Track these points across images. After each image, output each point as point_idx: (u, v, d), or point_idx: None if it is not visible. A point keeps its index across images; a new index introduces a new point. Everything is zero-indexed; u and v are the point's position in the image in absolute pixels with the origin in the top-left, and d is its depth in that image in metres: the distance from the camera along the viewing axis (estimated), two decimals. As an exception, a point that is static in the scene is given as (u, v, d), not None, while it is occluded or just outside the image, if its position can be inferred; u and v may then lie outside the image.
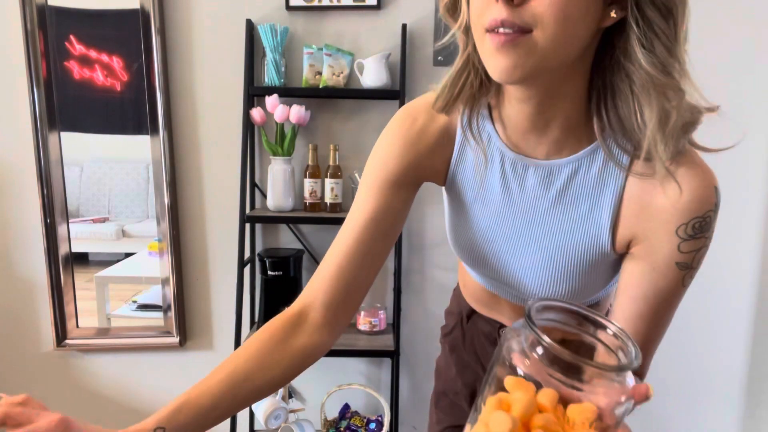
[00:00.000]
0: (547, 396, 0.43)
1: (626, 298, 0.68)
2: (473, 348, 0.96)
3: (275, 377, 0.68)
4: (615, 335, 0.47)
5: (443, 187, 0.79)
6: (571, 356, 0.42)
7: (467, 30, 0.61)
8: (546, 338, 0.43)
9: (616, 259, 0.70)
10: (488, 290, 0.87)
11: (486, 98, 0.69)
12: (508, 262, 0.75)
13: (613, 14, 0.55)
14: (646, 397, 0.46)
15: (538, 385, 0.44)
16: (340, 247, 0.72)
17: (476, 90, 0.66)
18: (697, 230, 0.62)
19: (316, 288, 0.72)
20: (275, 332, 0.70)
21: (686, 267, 0.64)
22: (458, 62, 0.66)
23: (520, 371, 0.44)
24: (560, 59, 0.56)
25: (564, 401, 0.44)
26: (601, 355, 0.48)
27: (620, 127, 0.61)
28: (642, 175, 0.62)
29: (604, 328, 0.48)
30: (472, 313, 0.95)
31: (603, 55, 0.60)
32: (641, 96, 0.57)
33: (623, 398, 0.44)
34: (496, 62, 0.55)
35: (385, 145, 0.75)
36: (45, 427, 0.50)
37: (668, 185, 0.60)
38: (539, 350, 0.44)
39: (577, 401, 0.43)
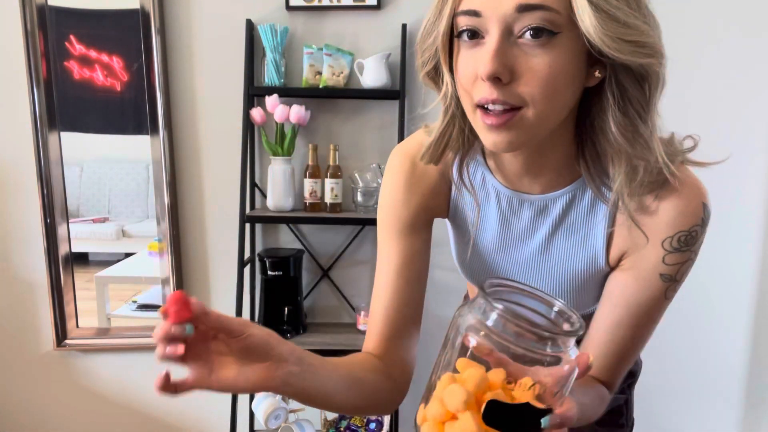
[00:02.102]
0: (496, 374, 0.47)
1: (609, 305, 0.69)
2: None
3: (359, 403, 0.71)
4: (560, 311, 0.51)
5: (446, 219, 0.80)
6: (525, 322, 0.45)
7: (451, 97, 0.61)
8: (500, 305, 0.46)
9: (609, 272, 0.72)
10: None
11: (475, 146, 0.69)
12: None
13: (597, 74, 0.56)
14: (587, 366, 0.49)
15: (488, 367, 0.47)
16: (381, 302, 0.75)
17: (462, 144, 0.67)
18: (683, 244, 0.63)
19: (373, 349, 0.75)
20: (376, 364, 0.74)
21: (670, 279, 0.65)
22: (441, 126, 0.65)
23: (469, 352, 0.47)
24: (551, 127, 0.58)
25: (512, 379, 0.47)
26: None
27: (599, 171, 0.64)
28: (626, 208, 0.63)
29: (551, 305, 0.52)
30: None
31: (585, 105, 0.61)
32: (612, 152, 0.60)
33: (566, 367, 0.47)
34: (490, 138, 0.57)
35: (392, 192, 0.76)
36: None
37: (655, 204, 0.62)
38: (492, 320, 0.46)
39: (523, 376, 0.47)
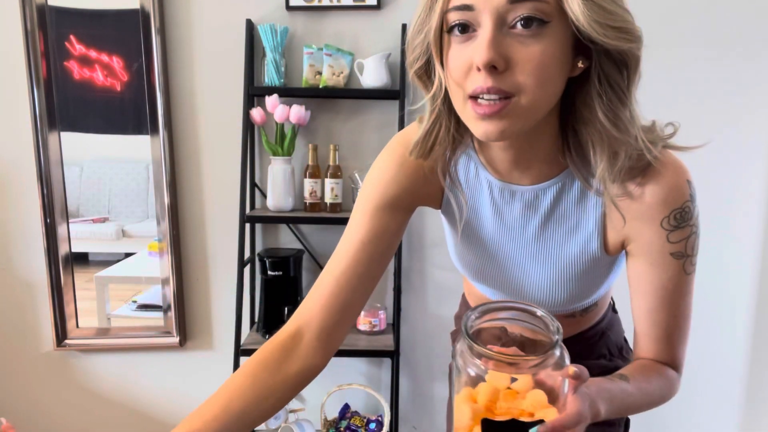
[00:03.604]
0: (522, 383, 0.53)
1: (638, 296, 0.72)
2: None
3: (269, 407, 0.70)
4: (541, 317, 0.56)
5: (440, 211, 0.81)
6: (496, 354, 0.52)
7: (439, 95, 0.64)
8: (477, 348, 0.53)
9: (610, 260, 0.74)
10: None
11: (467, 141, 0.71)
12: (509, 276, 0.79)
13: (580, 65, 0.59)
14: (574, 375, 0.53)
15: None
16: (335, 269, 0.74)
17: (451, 141, 0.69)
18: (680, 220, 0.66)
19: (311, 309, 0.73)
20: (269, 360, 0.70)
21: (681, 255, 0.68)
22: (427, 124, 0.68)
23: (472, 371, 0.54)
24: (541, 115, 0.60)
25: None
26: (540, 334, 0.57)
27: (583, 161, 0.66)
28: (614, 197, 0.66)
29: (533, 313, 0.57)
30: None
31: (566, 99, 0.63)
32: (594, 139, 0.62)
33: (554, 372, 0.53)
34: (481, 127, 0.58)
35: (381, 170, 0.76)
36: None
37: (644, 189, 0.65)
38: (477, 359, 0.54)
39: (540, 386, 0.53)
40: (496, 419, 0.52)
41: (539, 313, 0.57)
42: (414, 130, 0.74)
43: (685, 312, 0.73)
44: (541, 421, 0.52)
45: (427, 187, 0.76)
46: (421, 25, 0.60)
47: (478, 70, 0.55)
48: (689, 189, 0.66)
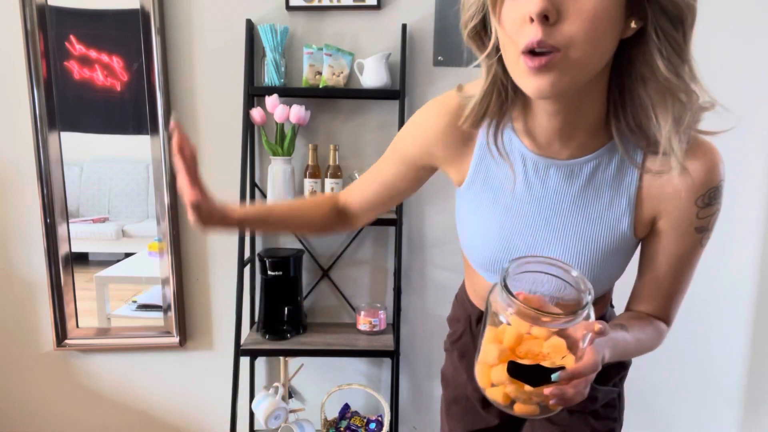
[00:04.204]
0: (540, 330, 0.59)
1: (650, 263, 0.76)
2: None
3: (315, 223, 0.92)
4: (575, 276, 0.62)
5: (458, 190, 0.83)
6: (535, 312, 0.57)
7: (494, 55, 0.64)
8: (516, 300, 0.58)
9: (633, 244, 0.77)
10: None
11: (510, 112, 0.72)
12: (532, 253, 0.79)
13: (633, 25, 0.59)
14: (599, 331, 0.57)
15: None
16: (369, 184, 0.91)
17: (501, 107, 0.70)
18: (713, 198, 0.69)
19: (353, 199, 0.93)
20: (328, 203, 0.93)
21: (703, 230, 0.72)
22: (485, 85, 0.68)
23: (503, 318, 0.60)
24: (591, 73, 0.60)
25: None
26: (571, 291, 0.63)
27: (637, 127, 0.66)
28: (656, 173, 0.69)
29: (568, 271, 0.63)
30: (482, 315, 0.96)
31: (619, 62, 0.63)
32: (656, 99, 0.62)
33: (584, 328, 0.58)
34: (533, 83, 0.58)
35: (414, 127, 0.81)
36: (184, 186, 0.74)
37: (683, 169, 0.66)
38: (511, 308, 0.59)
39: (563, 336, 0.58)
40: (520, 361, 0.58)
41: (574, 273, 0.62)
42: (453, 97, 0.75)
43: (690, 277, 0.77)
44: (562, 368, 0.57)
45: (452, 157, 0.78)
46: None
47: (531, 21, 0.55)
48: (723, 168, 0.69)
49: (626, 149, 0.69)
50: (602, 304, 0.89)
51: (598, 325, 0.57)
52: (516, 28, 0.57)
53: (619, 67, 0.64)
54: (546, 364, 0.57)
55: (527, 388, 0.58)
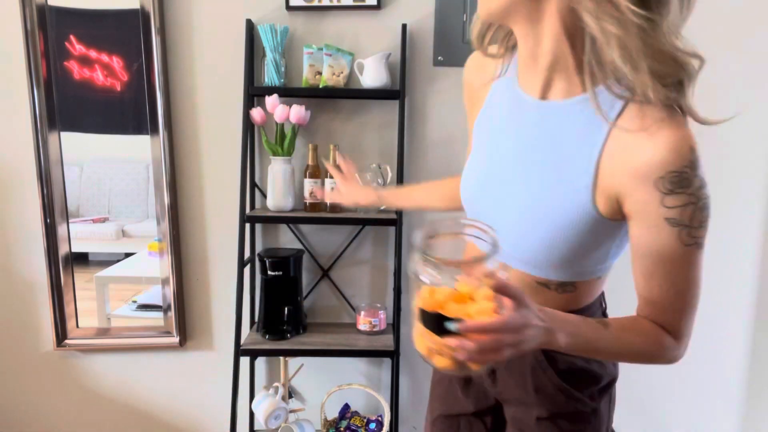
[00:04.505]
0: (463, 283, 0.61)
1: (636, 258, 0.73)
2: None
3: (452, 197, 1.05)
4: (486, 230, 0.63)
5: (472, 131, 0.91)
6: (442, 261, 0.60)
7: None
8: (428, 256, 0.60)
9: (598, 220, 0.72)
10: None
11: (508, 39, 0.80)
12: (495, 203, 0.81)
13: None
14: (488, 273, 0.59)
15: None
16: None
17: (506, 44, 0.80)
18: (676, 185, 0.64)
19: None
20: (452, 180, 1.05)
21: (678, 224, 0.66)
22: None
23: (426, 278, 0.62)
24: (502, 5, 0.69)
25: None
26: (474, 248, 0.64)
27: (601, 68, 0.66)
28: (627, 130, 0.66)
29: (484, 230, 0.64)
30: None
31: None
32: (596, 29, 0.62)
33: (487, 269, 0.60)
34: (479, 8, 0.73)
35: (463, 87, 0.94)
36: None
37: (647, 141, 0.64)
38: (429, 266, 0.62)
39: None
40: (425, 309, 0.60)
41: (491, 233, 0.63)
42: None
43: (685, 285, 0.71)
44: (459, 320, 0.58)
45: (478, 99, 0.87)
46: None
47: None
48: (691, 155, 0.64)
49: (599, 99, 0.67)
50: (573, 297, 0.82)
51: (494, 274, 0.59)
52: None
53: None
54: (446, 314, 0.59)
55: (436, 339, 0.60)
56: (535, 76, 0.74)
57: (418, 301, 0.61)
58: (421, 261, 0.61)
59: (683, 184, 0.64)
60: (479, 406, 0.96)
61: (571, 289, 0.82)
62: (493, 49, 0.81)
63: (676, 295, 0.72)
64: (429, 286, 0.61)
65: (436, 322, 0.59)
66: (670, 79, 0.64)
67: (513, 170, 0.78)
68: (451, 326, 0.58)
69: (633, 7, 0.59)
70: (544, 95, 0.74)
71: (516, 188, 0.77)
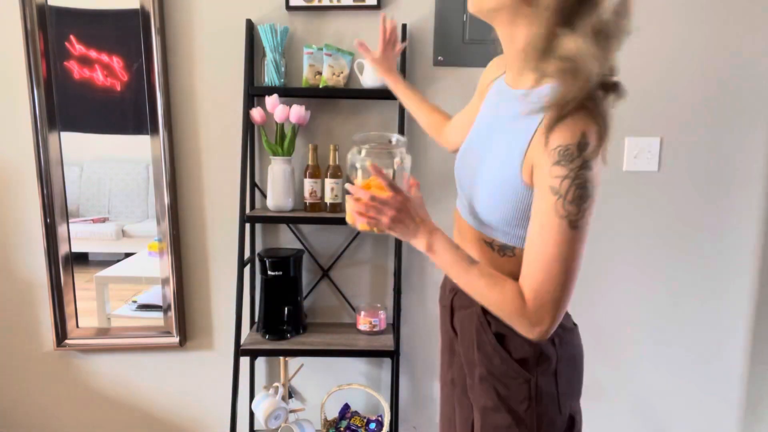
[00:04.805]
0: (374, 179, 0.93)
1: (529, 224, 0.85)
2: (444, 294, 1.14)
3: (429, 117, 1.40)
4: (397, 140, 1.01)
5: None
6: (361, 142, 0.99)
7: None
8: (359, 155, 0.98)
9: (525, 192, 0.84)
10: (457, 218, 1.08)
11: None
12: (468, 174, 0.99)
13: None
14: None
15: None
16: (461, 112, 1.26)
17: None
18: (561, 157, 0.76)
19: (450, 119, 1.32)
20: (443, 115, 1.37)
21: (556, 192, 0.77)
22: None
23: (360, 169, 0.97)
24: (492, 5, 0.86)
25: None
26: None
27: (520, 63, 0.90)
28: (545, 119, 0.80)
29: (390, 140, 1.00)
30: None
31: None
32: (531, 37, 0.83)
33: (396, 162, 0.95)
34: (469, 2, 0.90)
35: (485, 71, 1.14)
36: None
37: (558, 126, 0.77)
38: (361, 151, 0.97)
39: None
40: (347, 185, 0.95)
41: (394, 139, 1.00)
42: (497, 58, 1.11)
43: (550, 256, 0.79)
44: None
45: (483, 92, 1.08)
46: None
47: None
48: (580, 138, 0.75)
49: (530, 98, 0.86)
50: (514, 262, 0.89)
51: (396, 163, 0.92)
52: None
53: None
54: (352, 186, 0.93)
55: (349, 202, 0.93)
56: (512, 69, 0.93)
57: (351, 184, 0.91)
58: (358, 154, 0.96)
59: (567, 158, 0.76)
60: (458, 374, 1.09)
61: (511, 254, 0.92)
62: None
63: (538, 262, 0.80)
64: (359, 178, 0.95)
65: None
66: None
67: (483, 147, 0.95)
68: (351, 188, 0.92)
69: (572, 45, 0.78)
70: (515, 82, 0.92)
71: (479, 160, 0.94)
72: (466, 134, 1.05)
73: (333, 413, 1.93)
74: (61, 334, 1.91)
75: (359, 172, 0.94)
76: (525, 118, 0.84)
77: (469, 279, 0.86)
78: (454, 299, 1.05)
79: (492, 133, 0.94)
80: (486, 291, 0.85)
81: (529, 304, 0.81)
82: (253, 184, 1.84)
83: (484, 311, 0.95)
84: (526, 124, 0.84)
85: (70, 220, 1.87)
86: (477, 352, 0.96)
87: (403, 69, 1.71)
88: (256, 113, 1.70)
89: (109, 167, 1.89)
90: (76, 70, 1.77)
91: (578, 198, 0.76)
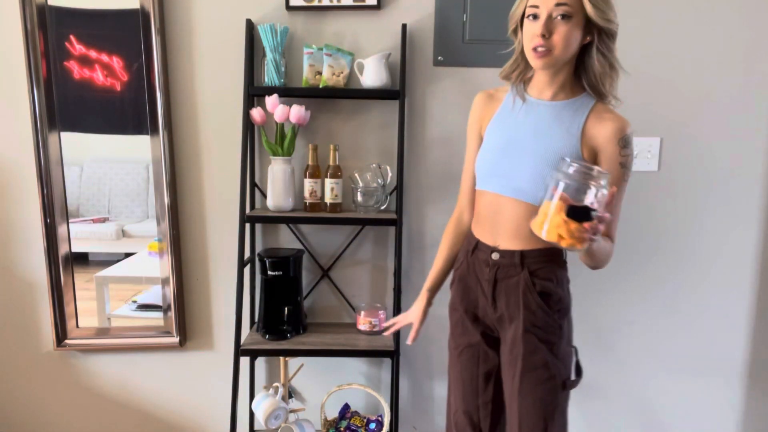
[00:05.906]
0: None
1: None
2: (474, 272, 1.30)
3: (457, 249, 1.41)
4: (598, 170, 1.03)
5: (485, 134, 1.30)
6: (586, 166, 1.03)
7: (520, 44, 1.20)
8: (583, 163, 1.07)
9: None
10: (493, 204, 1.26)
11: (525, 75, 1.25)
12: (513, 162, 1.21)
13: (587, 39, 1.15)
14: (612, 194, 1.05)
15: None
16: (466, 176, 1.38)
17: (519, 71, 1.24)
18: (626, 142, 1.17)
19: (464, 204, 1.40)
20: (455, 228, 1.41)
21: (624, 165, 1.17)
22: (514, 56, 1.24)
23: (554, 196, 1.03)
24: (564, 61, 1.16)
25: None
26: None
27: (590, 86, 1.20)
28: (596, 114, 1.19)
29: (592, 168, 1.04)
30: (476, 246, 1.30)
31: (582, 52, 1.19)
32: (598, 70, 1.17)
33: (600, 194, 1.02)
34: (536, 63, 1.15)
35: (472, 110, 1.36)
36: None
37: (610, 122, 1.17)
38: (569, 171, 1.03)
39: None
40: (578, 206, 0.98)
41: (595, 168, 1.03)
42: (484, 90, 1.36)
43: (618, 210, 1.21)
44: (595, 210, 0.99)
45: (487, 112, 1.31)
46: (514, 11, 1.18)
47: (539, 36, 1.11)
48: (629, 130, 1.18)
49: (583, 100, 1.21)
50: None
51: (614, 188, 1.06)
52: (530, 37, 1.13)
53: (582, 54, 1.18)
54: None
55: (578, 225, 0.98)
56: (549, 88, 1.22)
57: (560, 202, 0.99)
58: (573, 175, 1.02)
59: (628, 142, 1.17)
60: (485, 333, 1.33)
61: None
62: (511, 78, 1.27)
63: (615, 214, 1.20)
64: (563, 194, 1.00)
65: (583, 213, 0.97)
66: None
67: (532, 139, 1.20)
68: (594, 215, 0.98)
69: (615, 55, 1.17)
70: (553, 98, 1.22)
71: (533, 148, 1.19)
72: (487, 155, 1.27)
73: (333, 413, 1.93)
74: (61, 334, 1.91)
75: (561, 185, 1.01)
76: (572, 115, 1.19)
77: (603, 247, 1.14)
78: (497, 272, 1.25)
79: (540, 130, 1.20)
80: (609, 248, 1.18)
81: (614, 242, 1.20)
82: (253, 184, 1.84)
83: (531, 276, 1.22)
84: (573, 118, 1.19)
85: (70, 220, 1.87)
86: (523, 310, 1.21)
87: (403, 69, 1.71)
88: (256, 113, 1.70)
89: (109, 167, 1.89)
90: (76, 70, 1.77)
91: (631, 167, 1.19)
